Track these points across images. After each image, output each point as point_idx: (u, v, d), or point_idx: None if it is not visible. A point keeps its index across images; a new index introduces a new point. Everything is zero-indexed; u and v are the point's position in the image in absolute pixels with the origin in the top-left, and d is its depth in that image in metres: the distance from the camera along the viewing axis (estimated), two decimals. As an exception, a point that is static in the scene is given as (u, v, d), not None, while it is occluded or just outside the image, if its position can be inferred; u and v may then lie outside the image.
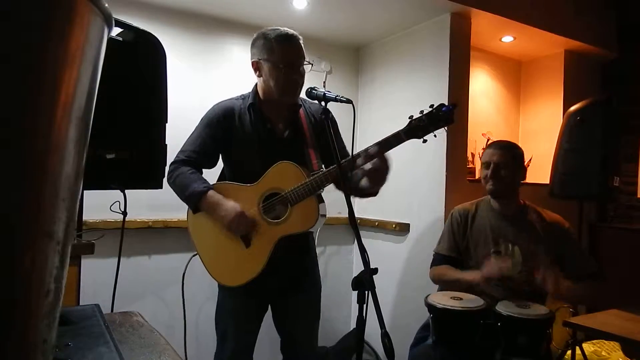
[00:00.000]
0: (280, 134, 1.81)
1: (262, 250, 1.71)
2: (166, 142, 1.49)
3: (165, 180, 1.54)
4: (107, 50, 0.48)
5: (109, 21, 0.46)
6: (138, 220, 2.45)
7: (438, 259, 2.18)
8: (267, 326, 1.94)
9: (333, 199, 2.02)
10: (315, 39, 3.03)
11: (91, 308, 1.13)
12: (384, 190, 1.76)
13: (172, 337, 2.43)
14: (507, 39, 3.01)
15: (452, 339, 1.85)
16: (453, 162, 2.59)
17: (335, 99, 1.53)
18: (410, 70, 2.86)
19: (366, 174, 1.61)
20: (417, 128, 1.54)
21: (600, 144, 2.38)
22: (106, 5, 0.44)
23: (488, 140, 3.06)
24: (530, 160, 3.14)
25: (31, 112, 0.38)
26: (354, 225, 1.30)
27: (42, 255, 0.40)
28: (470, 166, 2.97)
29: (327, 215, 1.83)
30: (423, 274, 2.64)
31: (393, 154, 1.64)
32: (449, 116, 1.51)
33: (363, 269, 1.22)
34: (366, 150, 1.60)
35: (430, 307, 1.86)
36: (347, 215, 1.30)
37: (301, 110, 1.84)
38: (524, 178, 2.11)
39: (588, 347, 2.59)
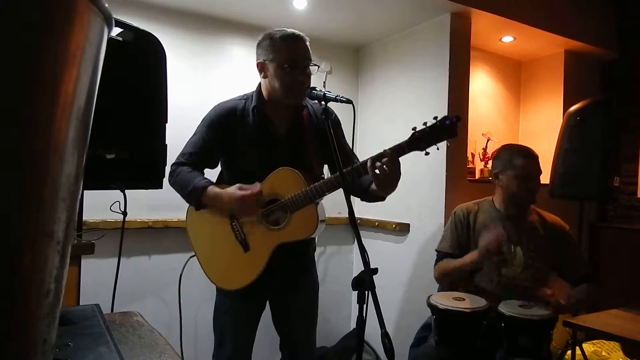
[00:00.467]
0: (282, 137, 1.78)
1: (260, 255, 1.71)
2: (166, 142, 1.49)
3: (165, 180, 1.54)
4: (107, 50, 0.48)
5: (109, 21, 0.46)
6: (138, 220, 2.45)
7: (441, 257, 2.18)
8: (266, 326, 1.94)
9: (333, 199, 2.02)
10: (315, 39, 3.02)
11: (91, 308, 1.13)
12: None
13: (172, 337, 2.43)
14: (507, 39, 3.01)
15: (454, 340, 1.85)
16: (453, 162, 2.59)
17: (335, 99, 1.52)
18: (410, 70, 2.86)
19: (375, 179, 1.58)
20: (420, 140, 1.52)
21: (600, 144, 2.38)
22: (106, 5, 0.44)
23: (488, 140, 3.06)
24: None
25: (31, 112, 0.38)
26: (354, 225, 1.30)
27: (42, 255, 0.40)
28: (470, 166, 2.97)
29: (327, 215, 1.83)
30: (423, 274, 2.65)
31: (393, 154, 1.63)
32: (453, 129, 1.49)
33: (363, 269, 1.22)
34: (367, 161, 1.57)
35: (433, 308, 1.86)
36: (347, 215, 1.30)
37: (305, 113, 1.81)
38: None
39: (588, 347, 2.59)
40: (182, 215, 1.86)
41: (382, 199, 1.73)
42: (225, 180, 1.86)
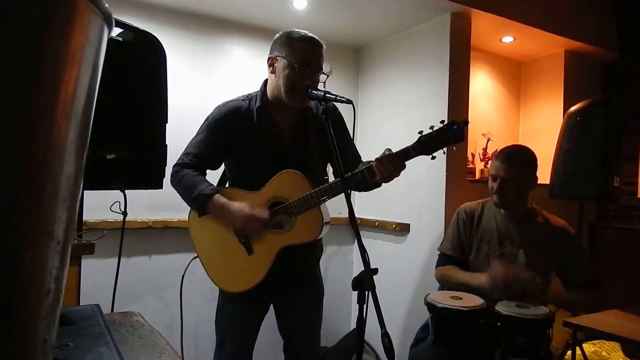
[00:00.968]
0: (286, 138, 1.77)
1: (264, 258, 1.70)
2: (166, 142, 1.49)
3: (165, 180, 1.54)
4: (107, 50, 0.48)
5: (109, 21, 0.46)
6: (138, 220, 2.45)
7: (443, 259, 2.18)
8: (269, 328, 1.94)
9: (333, 199, 2.01)
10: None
11: (91, 308, 1.13)
12: (384, 190, 1.75)
13: (173, 337, 2.43)
14: (507, 39, 3.01)
15: (451, 339, 1.85)
16: (453, 162, 2.59)
17: (335, 99, 1.52)
18: (410, 70, 2.87)
19: (379, 177, 1.57)
20: (427, 145, 1.52)
21: (600, 144, 2.38)
22: (106, 5, 0.44)
23: (488, 140, 3.06)
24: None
25: (31, 112, 0.38)
26: (354, 225, 1.30)
27: (42, 255, 0.40)
28: (470, 166, 2.97)
29: (329, 213, 1.82)
30: (423, 274, 2.65)
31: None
32: (460, 134, 1.48)
33: (363, 269, 1.22)
34: (371, 164, 1.57)
35: (430, 306, 1.86)
36: (347, 215, 1.30)
37: (309, 115, 1.80)
38: (535, 185, 2.06)
39: (588, 347, 2.59)
40: (183, 216, 1.85)
41: (380, 185, 1.73)
42: (229, 180, 1.86)
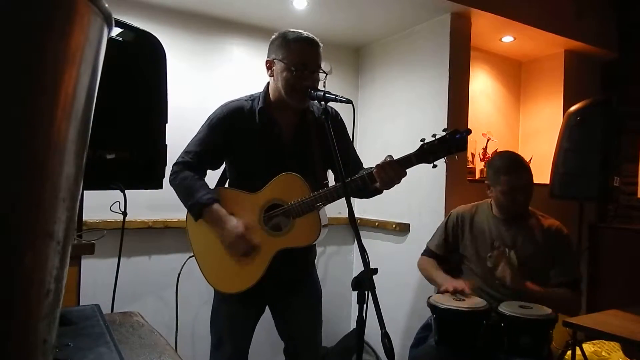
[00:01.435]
0: (288, 140, 1.76)
1: (260, 260, 1.69)
2: (166, 143, 1.48)
3: (165, 180, 1.54)
4: (107, 50, 0.48)
5: (109, 21, 0.46)
6: (138, 220, 2.45)
7: (427, 251, 2.29)
8: (268, 329, 1.94)
9: (333, 199, 2.02)
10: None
11: (91, 308, 1.13)
12: (384, 190, 1.75)
13: (173, 337, 2.43)
14: (507, 39, 3.01)
15: (454, 340, 1.85)
16: (453, 162, 2.56)
17: (335, 99, 1.52)
18: (410, 70, 2.86)
19: (380, 183, 1.58)
20: (429, 153, 1.52)
21: (600, 144, 2.38)
22: (106, 5, 0.44)
23: (488, 140, 3.06)
24: (530, 160, 3.14)
25: (31, 112, 0.38)
26: (354, 226, 1.30)
27: (42, 255, 0.40)
28: (470, 166, 2.97)
29: (327, 215, 1.82)
30: (423, 274, 2.65)
31: (394, 155, 1.63)
32: (463, 143, 1.49)
33: (363, 269, 1.22)
34: (372, 170, 1.58)
35: (433, 308, 1.86)
36: (347, 215, 1.30)
37: (311, 118, 1.79)
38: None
39: (588, 347, 2.59)
40: (182, 216, 1.85)
41: (381, 192, 1.74)
42: (230, 179, 1.86)
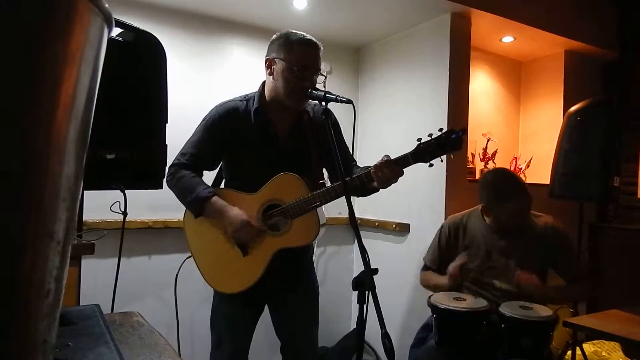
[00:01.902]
0: (283, 140, 1.77)
1: (259, 260, 1.70)
2: (166, 143, 1.49)
3: (164, 181, 1.54)
4: (107, 51, 0.48)
5: (109, 21, 0.46)
6: (138, 220, 2.45)
7: (425, 267, 2.26)
8: (266, 329, 1.94)
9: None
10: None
11: (91, 308, 1.13)
12: (384, 190, 1.75)
13: (172, 337, 2.43)
14: (507, 39, 3.01)
15: (454, 340, 1.85)
16: (453, 162, 2.59)
17: (335, 99, 1.52)
18: (410, 70, 2.86)
19: (377, 182, 1.59)
20: (425, 153, 1.54)
21: (600, 144, 2.38)
22: (106, 5, 0.44)
23: (488, 140, 3.06)
24: (530, 160, 3.14)
25: (31, 112, 0.38)
26: (354, 226, 1.30)
27: (42, 255, 0.40)
28: (470, 166, 2.97)
29: (327, 215, 1.82)
30: (423, 274, 2.65)
31: (393, 155, 1.63)
32: (458, 143, 1.51)
33: (363, 269, 1.22)
34: (370, 169, 1.59)
35: (433, 308, 1.86)
36: (347, 216, 1.30)
37: (306, 117, 1.80)
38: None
39: (588, 347, 2.59)
40: (182, 216, 1.85)
41: (378, 191, 1.74)
42: (225, 180, 1.86)
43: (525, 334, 1.77)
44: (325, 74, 1.71)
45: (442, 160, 1.55)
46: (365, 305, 1.21)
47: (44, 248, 0.40)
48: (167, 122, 1.47)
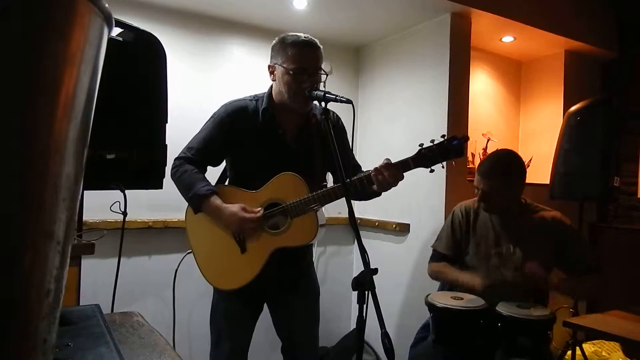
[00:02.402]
0: (290, 142, 1.78)
1: (257, 258, 1.71)
2: (166, 143, 1.49)
3: (165, 180, 1.54)
4: (107, 50, 0.48)
5: (109, 21, 0.46)
6: (138, 220, 2.45)
7: (435, 256, 2.18)
8: (266, 328, 1.94)
9: (333, 199, 2.02)
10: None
11: (91, 308, 1.13)
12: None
13: (171, 336, 2.43)
14: (507, 39, 3.01)
15: (452, 339, 1.85)
16: (453, 162, 2.59)
17: (335, 99, 1.52)
18: (410, 70, 2.86)
19: (377, 186, 1.59)
20: (426, 158, 1.54)
21: (600, 144, 2.38)
22: (106, 5, 0.44)
23: (488, 140, 3.06)
24: (530, 160, 3.14)
25: (31, 112, 0.38)
26: (354, 226, 1.30)
27: (42, 255, 0.40)
28: (470, 166, 2.97)
29: (327, 215, 1.83)
30: (423, 274, 2.64)
31: (393, 155, 1.64)
32: (460, 149, 1.51)
33: (363, 269, 1.22)
34: (370, 173, 1.59)
35: (431, 306, 1.86)
36: (347, 216, 1.30)
37: (314, 122, 1.81)
38: (522, 188, 2.04)
39: (588, 347, 2.59)
40: (182, 216, 1.85)
41: (379, 195, 1.74)
42: (230, 178, 1.86)
43: (522, 332, 1.77)
44: (326, 72, 1.71)
45: (443, 167, 1.56)
46: (365, 305, 1.21)
47: (44, 248, 0.40)
48: (167, 122, 1.47)
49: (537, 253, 2.01)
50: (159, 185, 1.47)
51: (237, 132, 1.75)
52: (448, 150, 1.52)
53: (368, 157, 3.04)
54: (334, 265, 3.20)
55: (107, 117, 1.19)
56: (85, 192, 1.53)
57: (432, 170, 1.56)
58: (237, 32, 2.83)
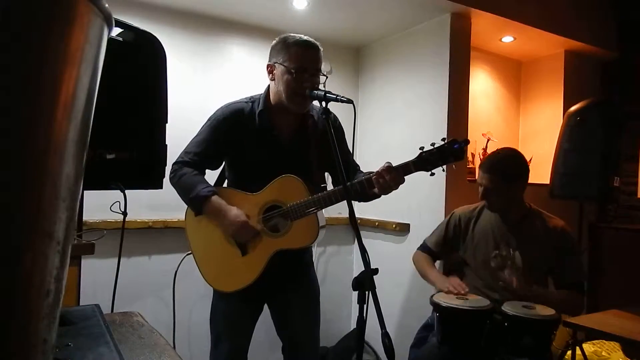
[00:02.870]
0: (286, 143, 1.78)
1: (257, 260, 1.71)
2: (166, 143, 1.49)
3: (165, 180, 1.54)
4: (107, 51, 0.48)
5: (109, 21, 0.46)
6: (138, 220, 2.45)
7: (423, 247, 2.29)
8: (267, 328, 1.94)
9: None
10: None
11: (91, 308, 1.13)
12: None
13: (171, 336, 2.43)
14: (507, 39, 3.01)
15: (457, 339, 1.85)
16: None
17: (335, 99, 1.52)
18: (410, 70, 2.86)
19: (378, 189, 1.60)
20: (427, 161, 1.55)
21: (600, 144, 2.38)
22: (106, 5, 0.44)
23: (488, 140, 3.06)
24: (530, 160, 3.14)
25: (31, 112, 0.38)
26: (354, 226, 1.30)
27: (42, 255, 0.40)
28: (470, 166, 2.97)
29: (327, 215, 1.83)
30: (423, 274, 2.64)
31: (393, 155, 1.64)
32: (460, 153, 1.52)
33: (363, 269, 1.22)
34: (371, 175, 1.60)
35: (436, 306, 1.86)
36: (347, 216, 1.30)
37: (310, 122, 1.81)
38: (524, 189, 2.06)
39: (588, 347, 2.59)
40: (182, 216, 1.85)
41: (379, 197, 1.75)
42: (228, 180, 1.86)
43: (527, 332, 1.78)
44: (326, 74, 1.71)
45: (443, 170, 1.56)
46: (365, 305, 1.21)
47: (44, 248, 0.40)
48: (167, 122, 1.47)
49: (536, 258, 2.01)
50: (159, 185, 1.47)
51: (233, 134, 1.75)
52: (449, 153, 1.53)
53: (368, 157, 3.04)
54: (334, 265, 3.20)
55: (107, 117, 1.19)
56: (85, 192, 1.53)
57: (432, 174, 1.57)
58: (237, 32, 2.83)
